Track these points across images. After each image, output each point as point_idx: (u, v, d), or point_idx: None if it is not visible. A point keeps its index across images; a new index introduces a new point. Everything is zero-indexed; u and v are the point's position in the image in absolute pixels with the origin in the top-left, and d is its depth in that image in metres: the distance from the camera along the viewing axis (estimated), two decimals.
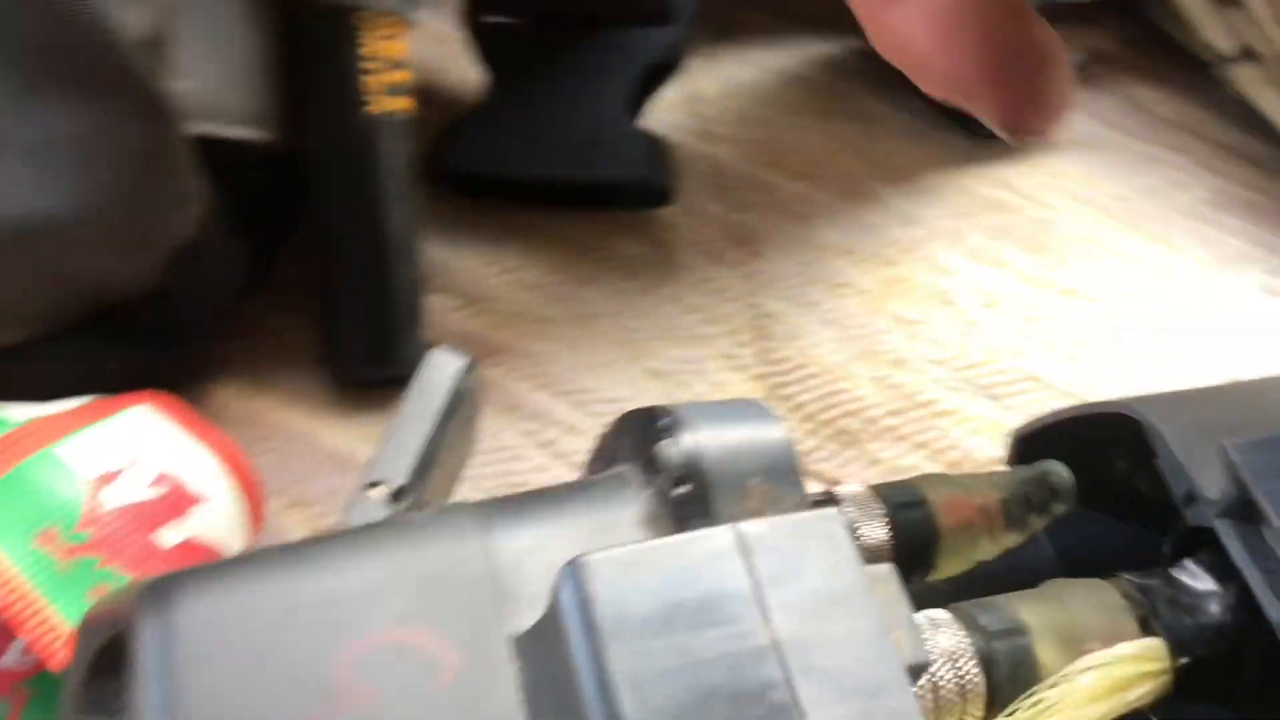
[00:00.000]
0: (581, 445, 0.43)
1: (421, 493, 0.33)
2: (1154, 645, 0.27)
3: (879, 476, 0.40)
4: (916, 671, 0.23)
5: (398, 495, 0.33)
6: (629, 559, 0.21)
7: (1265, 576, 0.26)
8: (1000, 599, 0.27)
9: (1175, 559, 0.30)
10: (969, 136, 0.53)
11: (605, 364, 0.46)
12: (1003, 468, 0.36)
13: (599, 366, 0.46)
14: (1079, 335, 0.47)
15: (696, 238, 0.50)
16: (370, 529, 0.23)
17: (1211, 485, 0.28)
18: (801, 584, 0.21)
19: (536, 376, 0.46)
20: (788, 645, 0.20)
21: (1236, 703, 0.28)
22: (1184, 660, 0.27)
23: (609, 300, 0.48)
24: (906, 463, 0.43)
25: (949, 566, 0.30)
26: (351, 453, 0.43)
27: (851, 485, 0.29)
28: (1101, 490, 0.33)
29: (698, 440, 0.25)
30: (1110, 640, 0.27)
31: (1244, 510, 0.27)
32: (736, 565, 0.22)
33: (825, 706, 0.20)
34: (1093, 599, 0.27)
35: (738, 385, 0.46)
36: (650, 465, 0.26)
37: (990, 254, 0.50)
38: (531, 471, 0.43)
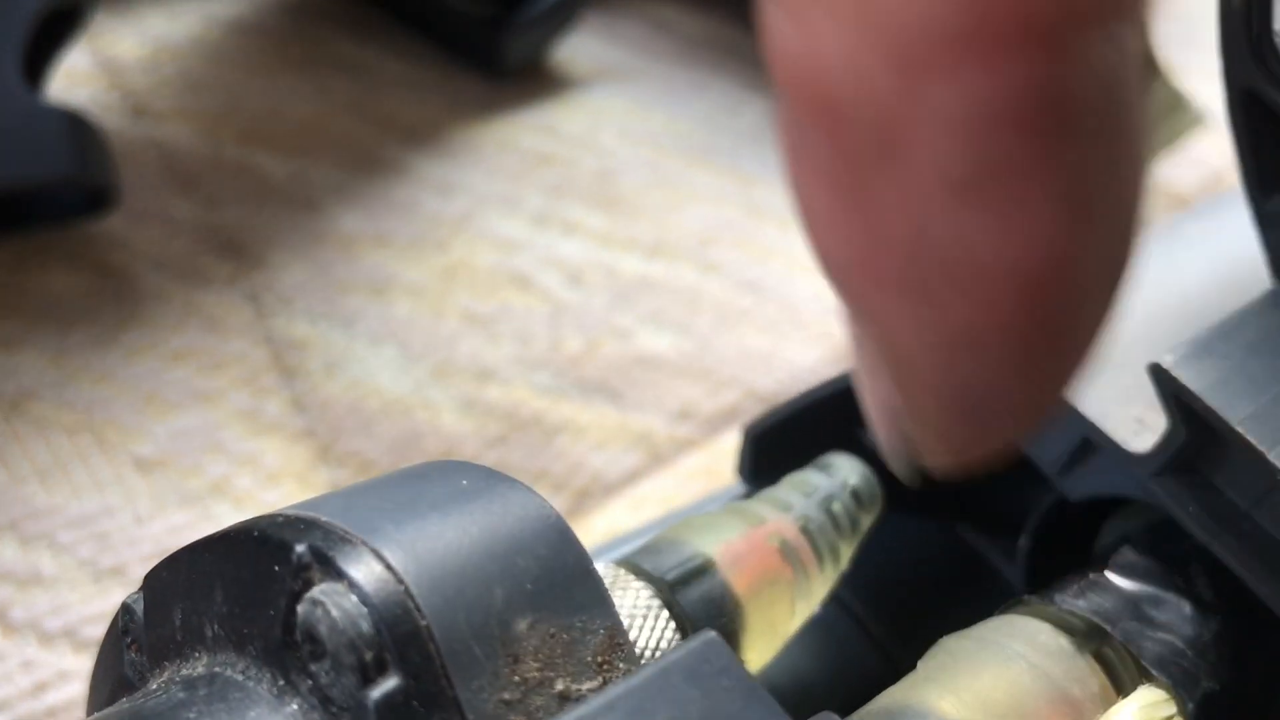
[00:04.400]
0: (50, 605, 0.27)
1: None
2: (1153, 694, 0.17)
3: None
4: None
5: None
6: None
7: (1247, 549, 0.17)
8: (901, 695, 0.16)
9: (1054, 555, 0.21)
10: (481, 79, 0.42)
11: (56, 465, 0.30)
12: (736, 486, 0.25)
13: (48, 471, 0.30)
14: (680, 299, 0.38)
15: (163, 253, 0.35)
16: None
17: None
18: None
19: None
20: None
21: None
22: (1190, 704, 0.17)
23: (45, 366, 0.32)
24: None
25: (758, 652, 0.19)
26: None
27: None
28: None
29: (396, 571, 0.13)
30: (1080, 706, 0.17)
31: (1189, 457, 0.18)
32: None
33: None
34: (1023, 647, 0.17)
35: (275, 453, 0.32)
36: (290, 650, 0.13)
37: (556, 217, 0.39)
38: None
